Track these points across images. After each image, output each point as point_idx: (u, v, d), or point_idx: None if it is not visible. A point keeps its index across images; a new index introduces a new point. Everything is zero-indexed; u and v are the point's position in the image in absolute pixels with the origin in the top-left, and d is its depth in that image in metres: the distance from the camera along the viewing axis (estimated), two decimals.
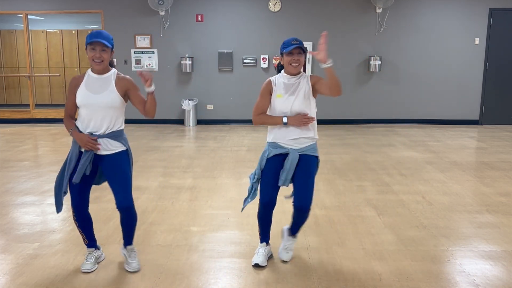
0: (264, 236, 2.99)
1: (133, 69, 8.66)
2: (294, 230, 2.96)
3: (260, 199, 2.85)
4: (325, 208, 3.97)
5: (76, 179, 2.62)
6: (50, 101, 11.47)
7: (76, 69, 11.41)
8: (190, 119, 8.71)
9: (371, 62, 8.53)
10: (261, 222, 2.96)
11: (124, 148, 2.73)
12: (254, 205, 4.03)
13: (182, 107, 8.65)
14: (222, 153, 6.25)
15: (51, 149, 6.60)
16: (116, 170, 2.69)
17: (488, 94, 8.76)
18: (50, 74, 11.32)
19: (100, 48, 2.59)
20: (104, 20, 8.65)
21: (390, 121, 8.94)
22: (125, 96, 2.72)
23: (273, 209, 2.88)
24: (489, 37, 8.57)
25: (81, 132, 2.66)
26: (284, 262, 2.94)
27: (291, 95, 2.77)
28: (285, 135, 2.78)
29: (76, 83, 2.68)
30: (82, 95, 2.64)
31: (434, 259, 3.01)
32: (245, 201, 3.00)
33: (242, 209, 3.10)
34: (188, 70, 8.58)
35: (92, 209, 2.91)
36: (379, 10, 8.49)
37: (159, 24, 8.63)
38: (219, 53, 8.69)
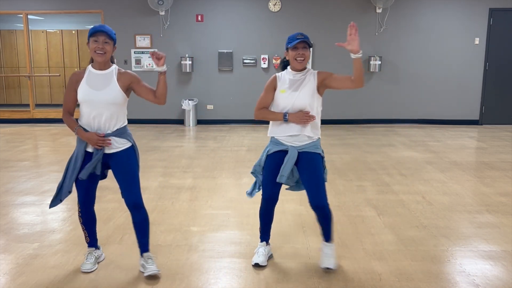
0: (265, 234, 2.99)
1: (133, 69, 8.65)
2: (325, 234, 2.86)
3: (262, 195, 2.86)
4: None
5: (83, 175, 2.61)
6: (50, 101, 11.47)
7: (76, 69, 11.41)
8: (190, 119, 8.71)
9: (371, 62, 8.53)
10: (262, 218, 2.95)
11: (130, 144, 2.72)
12: (254, 205, 4.04)
13: (182, 107, 8.65)
14: (222, 153, 6.25)
15: (51, 149, 6.60)
16: (124, 168, 2.68)
17: (488, 94, 8.76)
18: (50, 74, 11.32)
19: (102, 40, 2.56)
20: (104, 20, 8.64)
21: (390, 121, 8.94)
22: (127, 91, 2.69)
23: (274, 205, 2.89)
24: (489, 37, 8.57)
25: (86, 130, 2.63)
26: (329, 269, 2.80)
27: (294, 90, 2.74)
28: (284, 131, 2.77)
29: (76, 79, 2.65)
30: (83, 92, 2.61)
31: (434, 259, 3.01)
32: (252, 192, 2.97)
33: (251, 196, 2.99)
34: (188, 70, 8.58)
35: None
36: (379, 10, 8.49)
37: (159, 24, 8.63)
38: (219, 53, 8.69)
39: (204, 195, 4.37)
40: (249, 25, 8.65)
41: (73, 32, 11.33)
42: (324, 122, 9.85)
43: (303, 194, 3.79)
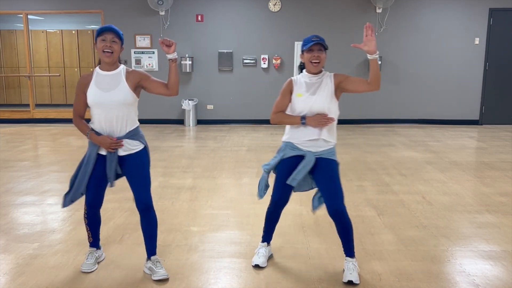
0: (267, 235, 2.97)
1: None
2: (347, 248, 2.72)
3: (272, 196, 2.84)
4: (325, 208, 3.96)
5: (110, 180, 2.64)
6: (50, 101, 11.47)
7: (76, 69, 11.41)
8: (190, 119, 8.71)
9: None
10: (268, 219, 2.93)
11: (142, 146, 2.71)
12: (254, 205, 4.04)
13: (182, 107, 8.65)
14: (222, 153, 6.25)
15: (51, 149, 6.60)
16: (137, 171, 2.66)
17: (488, 94, 8.76)
18: (50, 74, 11.32)
19: (110, 38, 2.53)
20: (104, 20, 8.65)
21: (390, 121, 8.94)
22: (137, 90, 2.66)
23: (282, 208, 2.86)
24: (489, 37, 8.57)
25: (98, 134, 2.62)
26: (352, 283, 2.65)
27: (312, 94, 2.68)
28: (302, 136, 2.71)
29: (85, 82, 2.62)
30: (93, 94, 2.58)
31: (434, 259, 3.01)
32: (262, 193, 2.91)
33: (262, 197, 2.93)
34: (188, 70, 8.58)
35: None
36: (379, 10, 8.49)
37: (159, 24, 8.63)
38: (219, 53, 8.69)
39: (204, 195, 4.37)
40: (249, 25, 8.65)
41: (73, 32, 11.33)
42: None
43: (303, 195, 3.80)
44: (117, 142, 2.59)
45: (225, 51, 8.69)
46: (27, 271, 2.82)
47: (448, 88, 8.78)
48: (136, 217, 3.70)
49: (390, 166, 5.50)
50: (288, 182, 2.70)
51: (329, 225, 3.59)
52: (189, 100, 8.64)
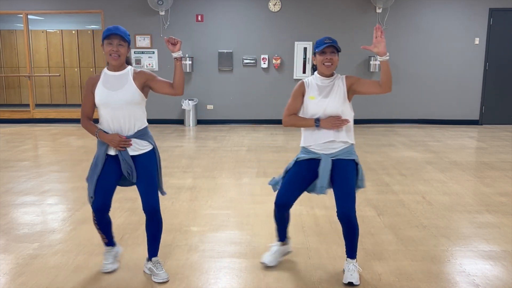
0: (280, 234, 2.94)
1: None
2: (350, 251, 2.71)
3: (275, 199, 2.77)
4: (325, 208, 3.97)
5: (133, 178, 2.62)
6: (50, 101, 11.47)
7: (76, 69, 11.41)
8: (190, 119, 8.71)
9: (371, 62, 8.53)
10: (276, 221, 2.90)
11: (151, 146, 2.70)
12: (254, 205, 4.05)
13: (182, 107, 8.65)
14: (222, 153, 6.25)
15: (51, 149, 6.60)
16: (145, 173, 2.64)
17: (488, 94, 8.76)
18: (50, 74, 11.32)
19: (117, 42, 2.54)
20: (104, 20, 8.65)
21: (390, 121, 8.94)
22: (144, 90, 2.66)
23: (286, 211, 2.82)
24: (489, 37, 8.57)
25: (107, 133, 2.61)
26: (353, 285, 2.65)
27: (324, 97, 2.66)
28: (317, 139, 2.68)
29: (92, 82, 2.63)
30: (100, 94, 2.59)
31: (434, 259, 3.01)
32: (275, 186, 2.87)
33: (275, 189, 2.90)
34: (188, 70, 8.58)
35: None
36: (379, 10, 8.49)
37: (159, 24, 8.63)
38: (219, 53, 8.69)
39: (204, 195, 4.37)
40: (249, 25, 8.65)
41: (73, 32, 11.33)
42: None
43: (303, 194, 3.79)
44: (126, 140, 2.59)
45: (225, 51, 8.69)
46: (27, 271, 2.82)
47: (448, 88, 8.78)
48: (136, 217, 3.71)
49: (390, 166, 5.50)
50: (317, 192, 2.67)
51: (329, 225, 3.60)
52: (189, 100, 8.64)
